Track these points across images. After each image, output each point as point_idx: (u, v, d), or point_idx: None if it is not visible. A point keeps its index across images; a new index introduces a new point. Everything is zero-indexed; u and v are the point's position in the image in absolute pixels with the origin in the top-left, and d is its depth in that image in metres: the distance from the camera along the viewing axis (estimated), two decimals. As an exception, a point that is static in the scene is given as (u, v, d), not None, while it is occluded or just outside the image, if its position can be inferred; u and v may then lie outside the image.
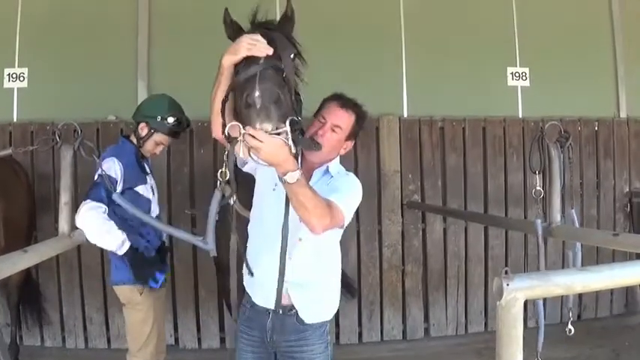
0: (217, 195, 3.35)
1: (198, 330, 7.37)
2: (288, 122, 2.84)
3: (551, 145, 4.56)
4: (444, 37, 8.12)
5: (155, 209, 5.32)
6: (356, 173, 7.16)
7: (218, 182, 3.25)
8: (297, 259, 3.47)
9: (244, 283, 3.71)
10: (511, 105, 8.31)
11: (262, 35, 3.08)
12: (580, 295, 7.83)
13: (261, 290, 3.61)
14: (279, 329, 3.54)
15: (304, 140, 3.32)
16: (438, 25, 8.13)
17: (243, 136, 2.81)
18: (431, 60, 8.05)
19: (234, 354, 3.76)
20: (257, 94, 2.80)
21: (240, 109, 2.89)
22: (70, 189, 4.50)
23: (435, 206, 7.82)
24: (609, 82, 8.68)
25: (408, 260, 7.79)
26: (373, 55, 7.91)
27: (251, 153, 2.83)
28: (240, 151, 2.86)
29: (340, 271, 3.83)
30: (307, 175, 3.52)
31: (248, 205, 3.79)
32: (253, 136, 2.77)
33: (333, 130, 3.57)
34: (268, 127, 2.80)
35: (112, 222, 4.75)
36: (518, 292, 2.16)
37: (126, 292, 5.07)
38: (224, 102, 3.10)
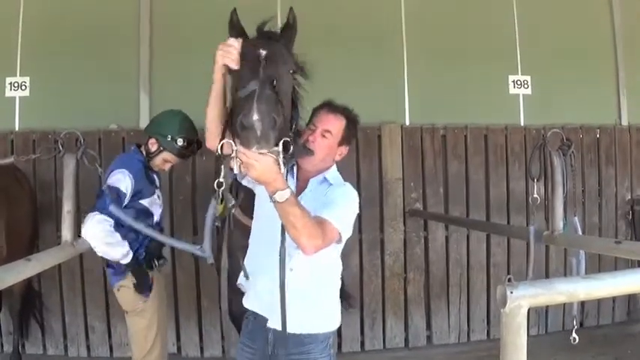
0: (213, 203, 3.37)
1: (201, 339, 7.37)
2: (281, 144, 2.87)
3: (553, 152, 4.57)
4: (446, 46, 8.12)
5: (158, 220, 5.33)
6: (358, 181, 7.29)
7: (216, 192, 3.26)
8: (296, 270, 3.44)
9: (245, 295, 3.71)
10: (513, 113, 8.32)
11: (263, 47, 3.11)
12: (582, 303, 7.81)
13: (260, 302, 3.61)
14: (282, 342, 3.49)
15: (296, 148, 3.31)
16: (440, 34, 8.15)
17: (235, 153, 2.83)
18: (432, 68, 8.07)
19: None
20: (255, 117, 2.81)
21: (236, 128, 2.89)
22: (72, 197, 4.51)
23: (437, 214, 7.82)
24: (611, 89, 8.69)
25: (410, 268, 7.79)
26: (375, 63, 7.91)
27: (242, 169, 2.85)
28: (235, 166, 2.88)
29: (340, 282, 3.81)
30: (303, 184, 3.60)
31: (252, 214, 3.77)
32: (246, 158, 2.79)
33: (324, 136, 3.59)
34: (263, 150, 2.82)
35: (118, 234, 4.77)
36: (522, 299, 2.17)
37: (129, 297, 5.06)
38: (226, 122, 3.17)
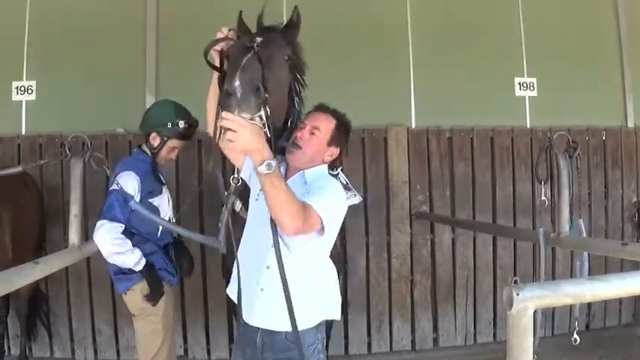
0: (231, 198, 3.41)
1: (208, 341, 7.37)
2: (264, 109, 2.96)
3: (559, 155, 4.58)
4: (452, 48, 8.11)
5: (171, 215, 5.35)
6: (364, 184, 7.31)
7: (230, 186, 3.33)
8: (272, 268, 3.42)
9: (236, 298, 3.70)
10: (519, 115, 8.31)
11: (257, 34, 3.24)
12: (589, 305, 7.82)
13: (244, 303, 3.62)
14: (269, 347, 3.50)
15: (286, 143, 3.49)
16: (446, 36, 8.13)
17: (221, 121, 2.88)
18: (438, 70, 8.06)
19: None
20: (236, 83, 2.91)
21: (222, 98, 2.98)
22: (79, 201, 4.54)
23: (443, 217, 7.82)
24: (617, 91, 8.67)
25: (416, 271, 7.78)
26: (381, 66, 7.92)
27: (229, 139, 2.88)
28: (222, 141, 2.97)
29: (332, 282, 3.75)
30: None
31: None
32: (230, 122, 2.84)
33: (312, 133, 3.60)
34: (246, 115, 2.90)
35: (128, 241, 4.79)
36: (528, 301, 2.18)
37: (137, 300, 5.06)
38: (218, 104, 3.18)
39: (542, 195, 4.69)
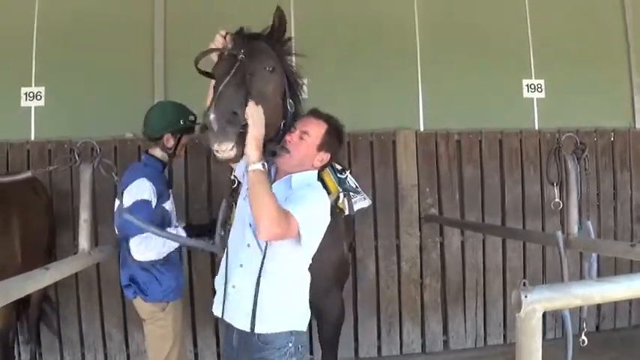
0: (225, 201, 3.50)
1: (218, 345, 7.37)
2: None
3: (567, 156, 4.58)
4: (459, 50, 8.12)
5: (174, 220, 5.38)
6: (373, 187, 7.32)
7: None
8: (246, 267, 3.49)
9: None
10: (527, 117, 8.30)
11: (243, 46, 3.41)
12: (598, 306, 7.81)
13: (217, 297, 3.71)
14: (244, 347, 3.53)
15: (276, 147, 3.53)
16: (453, 39, 8.14)
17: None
18: (446, 73, 8.06)
19: None
20: (212, 117, 3.05)
21: (202, 129, 3.15)
22: (88, 207, 4.55)
23: (452, 219, 7.81)
24: (625, 92, 8.66)
25: (426, 274, 7.78)
26: (389, 70, 7.92)
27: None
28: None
29: (304, 291, 3.68)
30: None
31: None
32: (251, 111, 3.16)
33: (301, 137, 3.63)
34: (226, 145, 3.10)
35: (151, 238, 4.83)
36: (536, 303, 2.18)
37: (147, 307, 5.10)
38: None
39: (556, 197, 4.69)
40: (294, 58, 3.92)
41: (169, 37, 7.67)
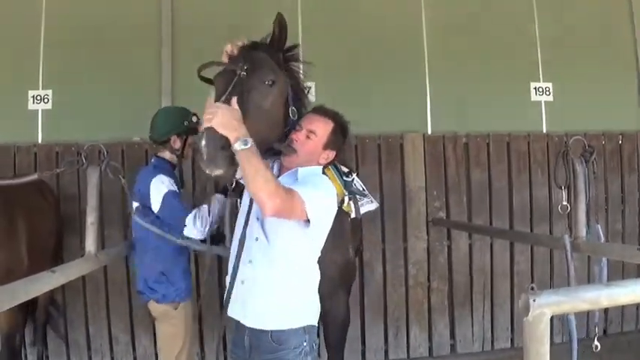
0: (218, 197, 3.53)
1: (225, 348, 7.36)
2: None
3: (575, 159, 4.56)
4: (467, 54, 8.13)
5: None
6: (381, 190, 7.31)
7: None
8: (255, 262, 3.50)
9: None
10: (535, 120, 8.30)
11: (239, 61, 3.42)
12: (606, 310, 7.78)
13: (227, 294, 3.68)
14: (256, 347, 3.52)
15: (281, 146, 3.53)
16: (461, 42, 8.14)
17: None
18: (454, 76, 8.06)
19: None
20: (203, 143, 3.08)
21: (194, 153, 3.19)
22: (95, 209, 4.55)
23: (460, 222, 7.80)
24: (633, 95, 8.66)
25: (433, 277, 7.77)
26: (397, 72, 7.93)
27: (205, 118, 3.10)
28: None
29: (314, 284, 3.70)
30: None
31: None
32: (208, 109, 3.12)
33: (308, 137, 3.64)
34: (218, 172, 3.14)
35: (195, 212, 5.02)
36: (544, 307, 2.17)
37: (160, 307, 5.18)
38: None
39: (564, 200, 4.67)
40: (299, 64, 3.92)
41: (177, 40, 7.69)
